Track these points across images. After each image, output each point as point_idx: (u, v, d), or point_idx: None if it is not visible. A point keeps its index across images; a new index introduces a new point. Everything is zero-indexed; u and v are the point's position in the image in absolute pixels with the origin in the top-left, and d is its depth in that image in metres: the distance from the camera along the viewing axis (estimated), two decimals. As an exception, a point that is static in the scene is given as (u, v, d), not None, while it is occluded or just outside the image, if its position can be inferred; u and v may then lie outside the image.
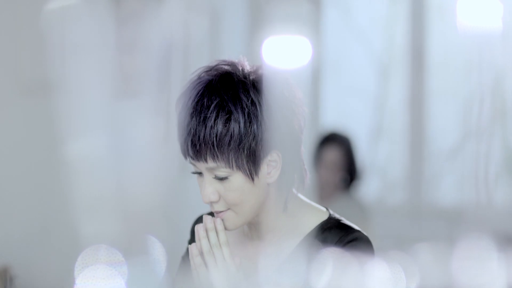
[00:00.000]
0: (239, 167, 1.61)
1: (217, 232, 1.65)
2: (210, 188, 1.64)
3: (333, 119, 4.81)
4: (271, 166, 1.65)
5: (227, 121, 1.60)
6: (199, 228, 1.65)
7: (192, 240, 1.80)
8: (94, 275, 1.66)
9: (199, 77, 1.65)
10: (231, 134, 1.60)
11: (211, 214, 1.72)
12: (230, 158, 1.60)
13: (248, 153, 1.61)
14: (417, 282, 1.74)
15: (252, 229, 1.72)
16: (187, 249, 1.79)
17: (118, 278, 1.66)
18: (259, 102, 1.62)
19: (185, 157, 1.65)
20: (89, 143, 2.97)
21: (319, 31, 4.87)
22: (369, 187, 4.64)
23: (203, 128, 1.60)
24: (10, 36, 3.25)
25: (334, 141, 3.91)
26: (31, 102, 3.27)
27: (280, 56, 1.67)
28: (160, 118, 3.30)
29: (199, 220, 1.81)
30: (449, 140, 4.49)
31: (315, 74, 4.86)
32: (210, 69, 1.65)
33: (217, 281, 1.62)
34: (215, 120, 1.60)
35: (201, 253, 1.64)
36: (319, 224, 1.70)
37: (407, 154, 4.59)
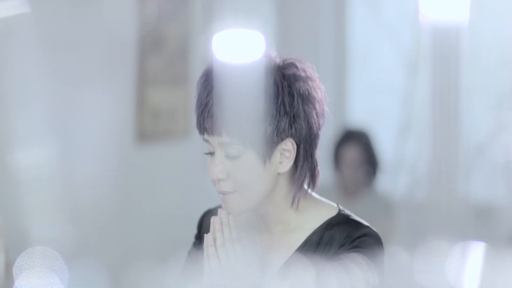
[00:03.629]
0: (252, 146, 1.61)
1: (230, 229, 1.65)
2: (220, 166, 1.63)
3: (361, 115, 4.79)
4: (284, 156, 1.64)
5: (247, 94, 1.60)
6: (215, 220, 1.65)
7: (199, 234, 1.79)
8: (33, 278, 1.65)
9: None
10: (250, 108, 1.60)
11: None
12: (245, 133, 1.60)
13: (264, 133, 1.60)
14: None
15: (260, 222, 1.71)
16: (193, 243, 1.79)
17: (57, 281, 1.65)
18: (282, 89, 1.62)
19: (201, 132, 1.64)
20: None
21: (346, 26, 4.85)
22: (397, 183, 4.61)
23: (222, 99, 1.60)
24: None
25: (351, 138, 3.95)
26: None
27: (232, 50, 1.66)
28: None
29: (206, 214, 1.80)
30: (479, 136, 4.45)
31: (342, 70, 4.84)
32: None
33: (227, 276, 1.62)
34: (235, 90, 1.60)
35: (215, 245, 1.63)
36: (327, 220, 1.69)
37: (436, 150, 4.55)
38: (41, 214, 2.80)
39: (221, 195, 1.66)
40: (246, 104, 1.60)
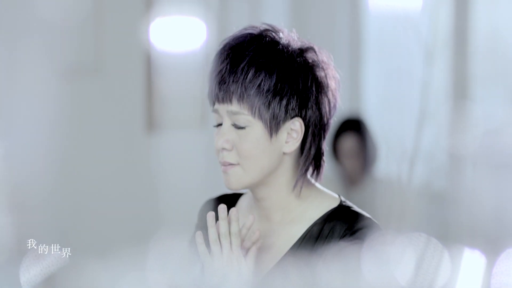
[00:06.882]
0: (260, 116, 1.61)
1: (230, 222, 1.62)
2: (226, 135, 1.63)
3: (376, 103, 4.77)
4: (291, 136, 1.64)
5: (262, 65, 1.61)
6: (209, 216, 1.63)
7: (199, 223, 1.78)
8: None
9: (244, 29, 1.67)
10: (262, 79, 1.60)
11: (221, 201, 1.72)
12: (255, 103, 1.60)
13: (273, 106, 1.61)
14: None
15: (261, 208, 1.69)
16: (194, 233, 1.77)
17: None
18: (298, 68, 1.63)
19: (211, 101, 1.65)
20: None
21: (362, 13, 4.83)
22: (413, 172, 4.59)
23: (236, 67, 1.60)
24: None
25: (347, 128, 3.99)
26: None
27: (171, 38, 1.65)
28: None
29: (207, 203, 1.80)
30: (494, 124, 4.42)
31: (358, 57, 4.83)
32: (257, 27, 1.67)
33: (219, 271, 1.61)
34: (250, 60, 1.61)
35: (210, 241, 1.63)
36: (328, 211, 1.67)
37: (452, 139, 4.53)
38: (42, 208, 2.80)
39: (222, 166, 1.65)
40: (258, 75, 1.60)
